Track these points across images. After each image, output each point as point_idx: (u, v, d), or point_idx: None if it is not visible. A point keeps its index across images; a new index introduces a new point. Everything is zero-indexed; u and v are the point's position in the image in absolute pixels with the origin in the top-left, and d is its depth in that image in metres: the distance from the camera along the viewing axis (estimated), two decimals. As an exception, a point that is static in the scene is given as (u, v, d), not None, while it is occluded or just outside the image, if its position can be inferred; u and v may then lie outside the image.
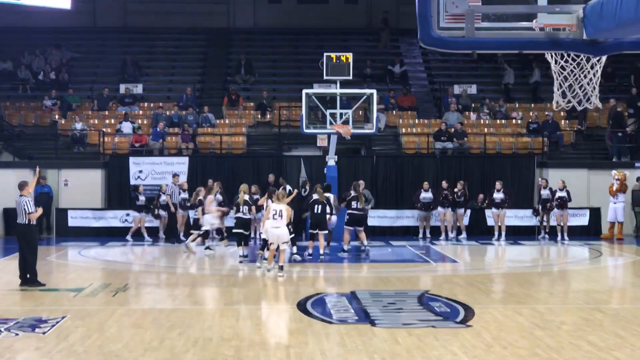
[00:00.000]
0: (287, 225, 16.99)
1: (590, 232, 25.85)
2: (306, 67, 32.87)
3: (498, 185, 24.76)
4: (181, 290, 15.16)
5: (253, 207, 19.85)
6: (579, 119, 30.18)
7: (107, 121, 30.01)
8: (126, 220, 24.70)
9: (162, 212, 24.46)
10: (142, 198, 24.27)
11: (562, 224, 24.54)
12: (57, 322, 11.54)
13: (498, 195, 24.57)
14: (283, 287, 15.28)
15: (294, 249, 19.42)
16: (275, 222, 16.25)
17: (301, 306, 13.04)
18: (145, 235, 24.21)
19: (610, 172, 25.47)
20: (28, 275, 15.06)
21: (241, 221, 19.32)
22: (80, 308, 12.87)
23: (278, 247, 16.48)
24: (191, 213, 24.65)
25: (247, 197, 19.52)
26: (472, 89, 32.01)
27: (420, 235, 25.12)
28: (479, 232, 25.45)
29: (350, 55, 23.11)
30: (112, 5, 36.62)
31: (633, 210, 26.32)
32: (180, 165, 26.52)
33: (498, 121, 30.48)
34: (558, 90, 9.67)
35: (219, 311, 12.67)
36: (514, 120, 30.49)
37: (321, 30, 35.88)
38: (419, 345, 10.14)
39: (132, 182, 25.82)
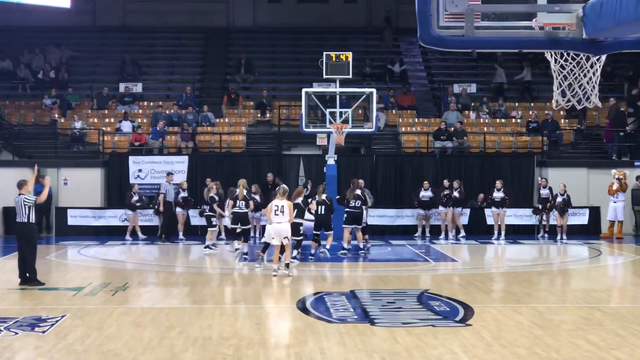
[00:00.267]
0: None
1: (589, 231, 25.86)
2: (306, 66, 32.85)
3: (498, 184, 24.77)
4: (181, 289, 15.17)
5: (251, 202, 19.83)
6: (579, 118, 30.18)
7: (107, 120, 30.00)
8: (126, 219, 24.68)
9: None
10: (135, 197, 24.24)
11: (561, 225, 24.53)
12: (57, 321, 11.54)
13: (498, 195, 24.57)
14: (283, 286, 15.28)
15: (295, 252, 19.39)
16: (277, 217, 16.16)
17: (301, 305, 13.05)
18: (139, 233, 24.21)
19: (609, 171, 25.47)
20: (27, 274, 15.07)
21: (238, 216, 19.32)
22: (80, 307, 12.87)
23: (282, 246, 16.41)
24: (191, 211, 24.78)
25: (245, 192, 19.53)
26: (472, 88, 32.01)
27: (418, 233, 25.09)
28: (479, 231, 25.45)
29: (349, 54, 23.12)
30: (112, 4, 36.59)
31: (633, 209, 26.32)
32: (180, 164, 26.52)
33: (497, 120, 30.49)
34: (557, 89, 9.66)
35: (219, 310, 12.67)
36: (513, 120, 30.49)
37: (321, 29, 35.87)
38: (419, 344, 10.14)
39: (132, 181, 25.80)
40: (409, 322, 11.59)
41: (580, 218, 26.08)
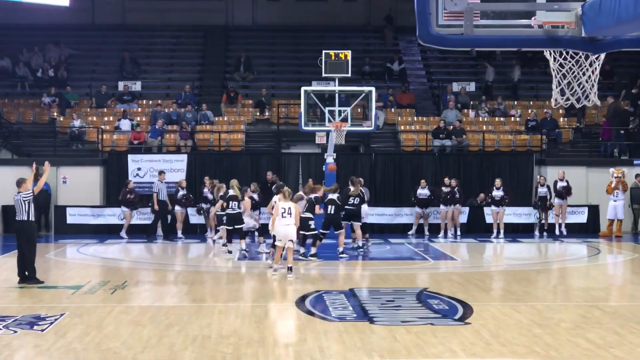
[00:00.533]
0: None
1: (588, 230, 25.88)
2: (305, 64, 32.86)
3: (498, 182, 24.76)
4: (180, 287, 15.17)
5: (243, 202, 19.87)
6: (578, 116, 30.21)
7: (106, 118, 30.00)
8: (125, 217, 24.66)
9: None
10: (131, 194, 24.20)
11: (559, 215, 24.53)
12: (56, 320, 11.54)
13: (498, 193, 24.57)
14: (282, 285, 15.27)
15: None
16: (284, 220, 15.95)
17: (300, 304, 13.05)
18: (123, 231, 24.21)
19: (608, 169, 25.49)
20: (26, 273, 15.06)
21: (231, 216, 19.38)
22: (79, 305, 12.87)
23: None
24: (190, 210, 24.80)
25: (232, 192, 19.54)
26: (471, 87, 32.02)
27: (412, 231, 25.06)
28: (478, 230, 25.45)
29: (349, 53, 23.13)
30: (111, 3, 36.58)
31: (631, 207, 26.33)
32: (179, 162, 26.50)
33: (497, 119, 30.51)
34: (557, 87, 9.66)
35: (218, 308, 12.67)
36: (512, 118, 30.51)
37: (320, 27, 35.85)
38: (418, 342, 10.14)
39: (131, 179, 25.75)
40: (408, 321, 11.59)
41: (579, 216, 26.09)
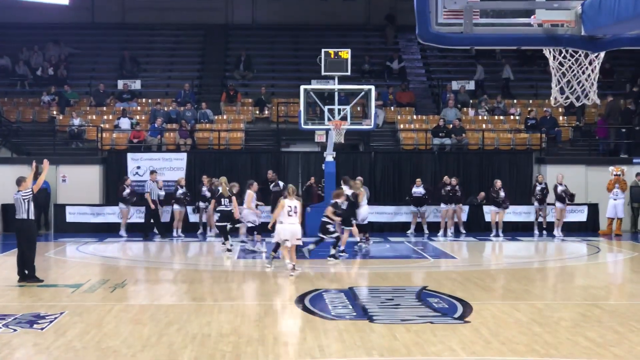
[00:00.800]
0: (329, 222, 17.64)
1: (588, 228, 25.88)
2: (304, 63, 32.87)
3: (499, 184, 24.55)
4: (179, 286, 15.18)
5: (233, 198, 19.87)
6: (577, 115, 30.21)
7: (105, 117, 30.00)
8: (122, 215, 24.63)
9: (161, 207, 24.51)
10: (127, 190, 24.17)
11: (560, 219, 24.54)
12: (56, 318, 11.54)
13: (501, 194, 24.38)
14: (281, 283, 15.28)
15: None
16: (290, 218, 15.86)
17: (299, 302, 13.05)
18: (122, 230, 24.16)
19: (608, 168, 25.49)
20: (26, 272, 15.06)
21: (224, 214, 19.45)
22: (79, 304, 12.88)
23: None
24: (189, 208, 24.81)
25: (227, 189, 19.65)
26: (470, 85, 32.03)
27: (411, 230, 25.05)
28: (477, 228, 25.45)
29: (348, 51, 23.12)
30: (111, 1, 36.59)
31: (631, 206, 26.35)
32: (178, 161, 26.49)
33: (496, 117, 30.51)
34: (556, 86, 9.65)
35: (217, 307, 12.68)
36: (512, 116, 30.52)
37: (319, 26, 35.84)
38: (417, 341, 10.14)
39: (131, 178, 25.73)
40: (407, 319, 11.60)
41: (579, 215, 26.09)
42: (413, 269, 17.98)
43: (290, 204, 15.91)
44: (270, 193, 23.81)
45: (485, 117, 30.44)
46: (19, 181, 15.13)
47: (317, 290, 14.27)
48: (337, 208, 18.23)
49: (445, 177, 24.98)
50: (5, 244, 22.26)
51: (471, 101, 31.28)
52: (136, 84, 31.95)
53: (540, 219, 25.24)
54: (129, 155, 26.58)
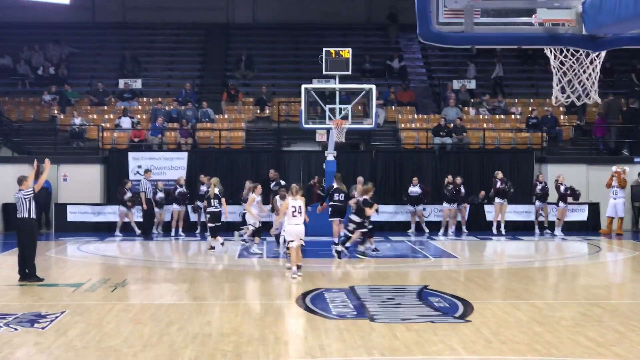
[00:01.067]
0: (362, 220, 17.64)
1: (589, 227, 25.86)
2: (305, 62, 32.85)
3: (500, 174, 24.59)
4: (180, 285, 15.17)
5: (223, 200, 19.95)
6: (578, 114, 30.20)
7: (106, 116, 30.01)
8: (119, 216, 24.60)
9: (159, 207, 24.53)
10: (128, 194, 24.16)
11: (561, 219, 24.53)
12: (56, 318, 11.55)
13: (501, 186, 24.38)
14: (282, 283, 15.28)
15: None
16: (295, 219, 15.60)
17: (300, 301, 13.06)
18: (136, 229, 24.17)
19: (609, 167, 25.46)
20: (27, 270, 15.05)
21: (214, 214, 19.67)
22: (79, 303, 12.88)
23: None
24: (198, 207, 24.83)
25: (217, 190, 19.82)
26: (471, 84, 32.01)
27: (412, 230, 25.05)
28: (478, 227, 25.44)
29: (349, 51, 23.11)
30: (111, 1, 36.58)
31: (632, 205, 26.32)
32: (179, 160, 26.50)
33: (497, 116, 30.50)
34: (557, 85, 9.66)
35: (218, 306, 12.68)
36: (513, 116, 30.50)
37: (320, 25, 35.82)
38: (418, 340, 10.14)
39: (132, 177, 25.74)
40: (408, 319, 11.60)
41: (580, 214, 26.07)
42: (414, 268, 17.98)
43: (294, 204, 15.66)
44: (271, 192, 23.79)
45: (486, 116, 30.42)
46: (20, 180, 15.16)
47: (318, 289, 14.27)
48: (367, 205, 18.21)
49: (449, 176, 24.97)
50: (5, 243, 22.29)
51: (472, 100, 31.25)
52: (137, 83, 31.97)
53: (541, 218, 25.22)
54: (130, 155, 26.59)
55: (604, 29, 8.62)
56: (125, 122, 28.88)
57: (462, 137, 28.37)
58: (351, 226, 18.70)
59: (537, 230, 25.16)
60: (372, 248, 19.42)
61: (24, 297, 13.67)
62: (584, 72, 9.50)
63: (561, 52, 9.50)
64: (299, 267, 15.78)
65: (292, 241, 15.68)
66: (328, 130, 23.72)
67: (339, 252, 18.38)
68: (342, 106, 23.28)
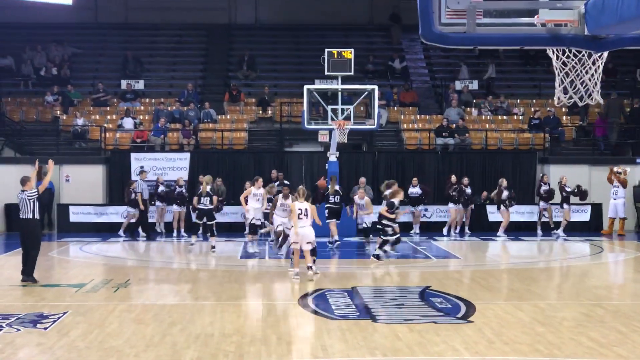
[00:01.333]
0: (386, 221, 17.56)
1: (591, 228, 25.85)
2: (307, 62, 32.87)
3: (504, 182, 24.46)
4: (182, 286, 15.17)
5: (214, 198, 20.20)
6: (580, 114, 30.19)
7: (109, 117, 30.04)
8: (127, 216, 24.61)
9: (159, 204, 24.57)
10: (133, 195, 24.15)
11: (567, 219, 24.51)
12: (59, 318, 11.55)
13: (506, 193, 24.31)
14: (284, 283, 15.28)
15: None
16: (300, 221, 15.33)
17: (303, 302, 13.05)
18: (140, 230, 24.19)
19: (612, 167, 25.45)
20: (26, 269, 14.92)
21: (202, 212, 19.84)
22: (82, 304, 12.89)
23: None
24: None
25: (209, 188, 20.05)
26: (474, 85, 32.01)
27: (416, 230, 25.04)
28: (480, 228, 25.42)
29: (352, 51, 23.13)
30: (114, 1, 36.61)
31: (635, 206, 26.30)
32: (182, 161, 26.52)
33: (499, 117, 30.50)
34: (559, 86, 9.65)
35: (221, 307, 12.68)
36: (515, 116, 30.49)
37: (322, 25, 35.85)
38: (420, 341, 10.14)
39: (134, 178, 25.72)
40: (410, 319, 11.59)
41: (582, 215, 26.07)
42: (416, 268, 17.97)
43: (300, 207, 15.42)
44: (275, 194, 23.80)
45: (488, 117, 30.42)
46: (24, 181, 15.09)
47: (320, 289, 14.27)
48: (392, 208, 17.93)
49: (453, 177, 24.95)
50: (8, 244, 22.30)
51: (474, 101, 31.25)
52: (139, 84, 32.02)
53: (545, 219, 25.19)
54: (132, 155, 26.61)
55: (606, 29, 8.62)
56: (128, 123, 28.90)
57: (464, 137, 28.37)
58: (386, 229, 18.27)
59: (539, 231, 25.14)
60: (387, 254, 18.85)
61: (27, 298, 13.68)
62: (586, 72, 9.50)
63: (563, 52, 9.50)
64: (309, 267, 15.48)
65: (296, 243, 15.46)
66: (330, 130, 23.74)
67: (377, 256, 18.11)
68: (345, 107, 23.30)
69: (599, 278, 16.91)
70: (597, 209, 26.25)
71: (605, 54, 9.54)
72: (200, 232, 21.48)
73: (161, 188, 24.39)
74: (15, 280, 15.08)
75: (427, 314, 12.02)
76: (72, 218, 25.59)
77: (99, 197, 26.57)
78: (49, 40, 34.11)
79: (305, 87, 23.43)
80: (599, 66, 9.53)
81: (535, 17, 9.09)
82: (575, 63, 9.48)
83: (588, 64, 9.49)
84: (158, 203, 24.47)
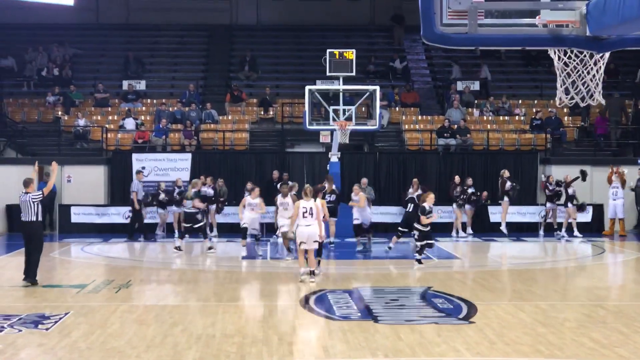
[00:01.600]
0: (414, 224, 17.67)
1: (593, 229, 25.83)
2: (309, 63, 32.86)
3: (506, 173, 24.50)
4: (184, 286, 15.17)
5: (196, 200, 20.10)
6: (582, 115, 30.18)
7: (110, 117, 30.05)
8: (129, 216, 24.61)
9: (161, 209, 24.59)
10: (162, 195, 24.19)
11: (574, 218, 24.48)
12: (60, 319, 11.55)
13: (509, 183, 24.31)
14: (286, 284, 15.27)
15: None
16: (305, 220, 15.13)
17: (304, 303, 13.05)
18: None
19: (611, 166, 25.45)
20: (27, 270, 14.91)
21: (189, 215, 19.93)
22: (83, 304, 12.89)
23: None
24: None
25: (194, 191, 20.02)
26: (475, 86, 32.00)
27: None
28: (481, 228, 25.40)
29: (353, 52, 23.13)
30: (115, 2, 36.63)
31: (636, 207, 26.27)
32: (183, 161, 26.51)
33: (501, 117, 30.49)
34: (561, 86, 9.65)
35: (222, 307, 12.68)
36: (517, 117, 30.48)
37: (324, 26, 35.85)
38: (422, 341, 10.13)
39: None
40: (412, 320, 11.59)
41: (584, 216, 26.02)
42: (418, 269, 17.95)
43: (306, 205, 15.21)
44: (277, 194, 23.78)
45: (490, 118, 30.41)
46: (27, 183, 15.01)
47: (321, 290, 14.27)
48: (424, 213, 17.55)
49: (457, 177, 24.92)
50: (9, 245, 22.30)
51: (476, 101, 31.24)
52: (141, 85, 32.00)
53: (550, 220, 25.14)
54: (134, 156, 26.61)
55: (607, 30, 8.62)
56: (129, 124, 28.91)
57: (466, 138, 28.36)
58: (417, 235, 18.00)
59: (541, 232, 25.13)
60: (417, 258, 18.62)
61: (28, 299, 13.68)
62: (588, 73, 9.50)
63: (565, 53, 9.50)
64: (312, 272, 15.24)
65: (303, 242, 15.20)
66: (332, 131, 23.73)
67: (419, 260, 18.01)
68: (346, 107, 23.30)
69: (600, 279, 16.91)
70: (598, 210, 26.22)
71: (607, 54, 9.54)
72: (186, 235, 21.07)
73: (162, 196, 24.31)
74: (16, 281, 15.08)
75: (429, 315, 12.02)
76: (74, 219, 25.59)
77: (101, 198, 26.58)
78: (50, 41, 34.12)
79: (307, 87, 23.43)
80: (600, 67, 9.52)
81: (537, 17, 9.09)
82: (577, 64, 9.48)
83: (589, 65, 9.48)
84: (160, 210, 24.40)
